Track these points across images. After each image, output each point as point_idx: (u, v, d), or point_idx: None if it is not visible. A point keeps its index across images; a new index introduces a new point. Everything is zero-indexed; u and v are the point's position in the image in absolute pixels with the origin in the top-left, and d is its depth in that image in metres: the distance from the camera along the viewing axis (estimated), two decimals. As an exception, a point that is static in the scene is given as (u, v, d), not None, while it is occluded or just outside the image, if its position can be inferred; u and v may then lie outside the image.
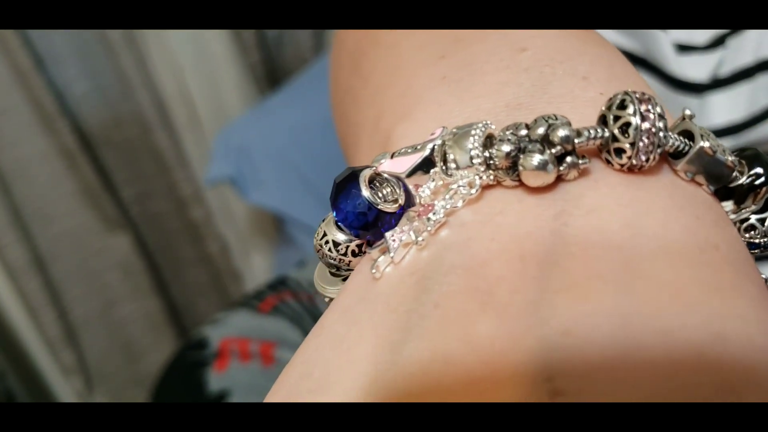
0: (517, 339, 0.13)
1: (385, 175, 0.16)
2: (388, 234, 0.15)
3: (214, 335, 0.55)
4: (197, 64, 1.03)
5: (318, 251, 0.17)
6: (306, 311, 0.56)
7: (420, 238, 0.15)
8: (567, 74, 0.17)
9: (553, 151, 0.15)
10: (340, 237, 0.17)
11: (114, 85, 1.01)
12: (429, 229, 0.15)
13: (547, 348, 0.12)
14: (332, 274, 0.18)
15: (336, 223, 0.17)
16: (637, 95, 0.15)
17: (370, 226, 0.16)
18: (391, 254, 0.15)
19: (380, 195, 0.16)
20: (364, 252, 0.17)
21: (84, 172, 1.01)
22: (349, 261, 0.17)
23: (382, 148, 0.19)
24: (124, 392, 1.10)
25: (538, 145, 0.15)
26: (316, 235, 0.17)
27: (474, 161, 0.15)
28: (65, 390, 1.07)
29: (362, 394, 0.13)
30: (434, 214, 0.15)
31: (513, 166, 0.15)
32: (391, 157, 0.17)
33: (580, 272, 0.13)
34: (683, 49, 0.32)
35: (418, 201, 0.16)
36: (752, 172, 0.16)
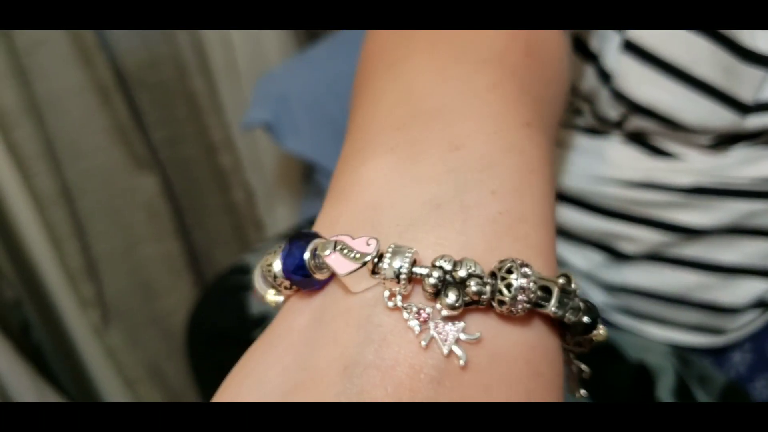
0: None
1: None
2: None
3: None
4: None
5: (264, 274, 0.23)
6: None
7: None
8: (479, 186, 0.22)
9: (465, 298, 0.20)
10: (279, 270, 0.22)
11: (154, 25, 1.01)
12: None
13: None
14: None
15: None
16: (519, 262, 0.20)
17: (303, 284, 0.22)
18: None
19: (316, 264, 0.21)
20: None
21: (117, 109, 1.02)
22: (285, 287, 0.22)
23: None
24: (138, 329, 1.12)
25: (455, 289, 0.20)
26: (263, 261, 0.23)
27: (401, 278, 0.20)
28: (81, 322, 1.09)
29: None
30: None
31: (436, 293, 0.20)
32: (335, 248, 0.21)
33: None
34: None
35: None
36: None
